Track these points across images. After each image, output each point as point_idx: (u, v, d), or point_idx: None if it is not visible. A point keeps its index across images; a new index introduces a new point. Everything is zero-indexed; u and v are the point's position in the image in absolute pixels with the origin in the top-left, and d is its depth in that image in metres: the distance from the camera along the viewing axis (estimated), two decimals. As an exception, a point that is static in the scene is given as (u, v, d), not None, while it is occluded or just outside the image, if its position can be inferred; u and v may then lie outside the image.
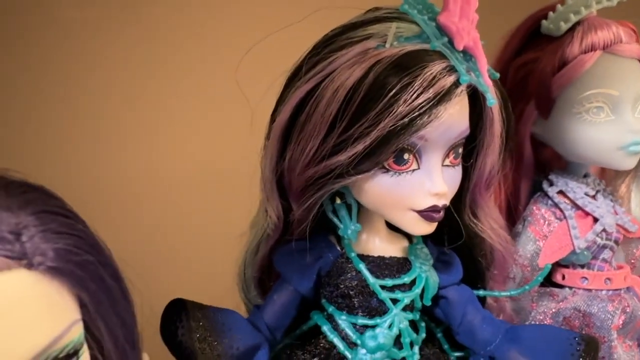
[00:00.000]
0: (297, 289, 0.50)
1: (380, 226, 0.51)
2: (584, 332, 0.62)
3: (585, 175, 0.66)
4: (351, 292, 0.49)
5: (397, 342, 0.50)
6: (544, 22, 0.61)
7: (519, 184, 0.68)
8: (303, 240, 0.50)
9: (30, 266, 0.28)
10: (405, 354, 0.49)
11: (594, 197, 0.66)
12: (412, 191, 0.44)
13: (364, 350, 0.48)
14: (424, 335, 0.52)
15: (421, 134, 0.42)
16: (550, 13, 0.61)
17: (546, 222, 0.65)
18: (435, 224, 0.46)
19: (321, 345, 0.50)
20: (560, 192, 0.66)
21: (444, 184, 0.44)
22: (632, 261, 0.69)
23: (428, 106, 0.40)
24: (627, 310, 0.63)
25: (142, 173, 0.71)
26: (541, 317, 0.64)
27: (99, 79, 0.72)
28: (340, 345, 0.49)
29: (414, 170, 0.44)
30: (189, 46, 0.74)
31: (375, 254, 0.50)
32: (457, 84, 0.41)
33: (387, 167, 0.43)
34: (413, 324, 0.53)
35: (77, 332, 0.30)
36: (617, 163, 0.63)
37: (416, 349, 0.51)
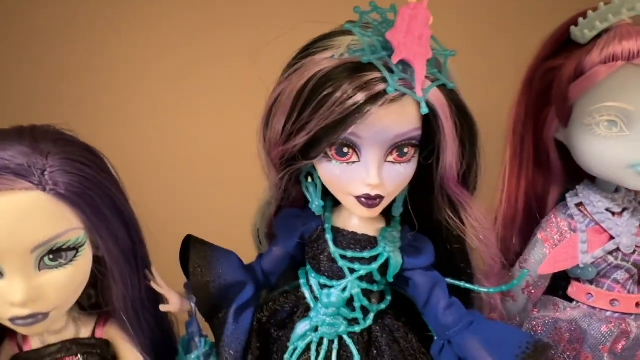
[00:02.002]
0: (283, 246, 0.61)
1: None
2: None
3: (617, 190, 0.62)
4: (320, 256, 0.58)
5: (353, 305, 0.57)
6: (572, 28, 0.58)
7: (548, 189, 0.66)
8: (300, 209, 0.61)
9: (44, 190, 0.44)
10: (357, 316, 0.57)
11: (620, 214, 0.61)
12: (350, 179, 0.50)
13: (320, 305, 0.58)
14: (383, 306, 0.58)
15: (352, 132, 0.48)
16: (580, 19, 0.58)
17: (559, 232, 0.63)
18: (375, 210, 0.52)
19: (298, 294, 0.61)
20: (581, 204, 0.63)
21: (378, 177, 0.49)
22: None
23: (353, 109, 0.46)
24: (630, 336, 0.59)
25: (174, 145, 0.86)
26: (535, 323, 0.63)
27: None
28: (307, 296, 0.59)
29: (354, 162, 0.50)
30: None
31: (350, 229, 0.58)
32: (383, 92, 0.46)
33: (331, 157, 0.50)
34: (380, 295, 0.60)
35: (74, 235, 0.46)
36: (627, 182, 0.57)
37: (371, 315, 0.58)
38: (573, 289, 0.63)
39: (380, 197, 0.51)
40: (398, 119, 0.48)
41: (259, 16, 0.81)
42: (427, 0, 0.47)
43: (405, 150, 0.50)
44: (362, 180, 0.50)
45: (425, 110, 0.47)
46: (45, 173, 0.44)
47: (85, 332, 0.54)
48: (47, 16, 0.83)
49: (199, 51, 0.84)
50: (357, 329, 0.57)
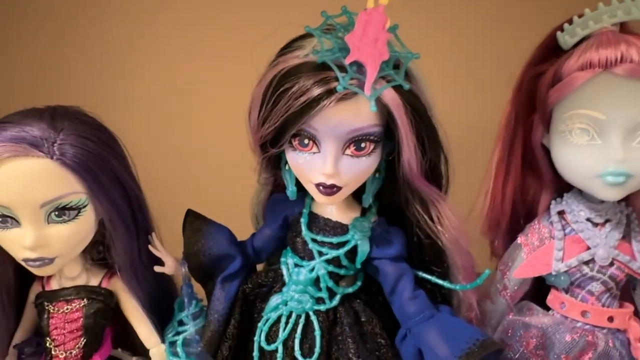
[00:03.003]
0: (270, 227, 0.67)
1: None
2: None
3: (604, 201, 0.60)
4: (296, 238, 0.63)
5: (319, 285, 0.62)
6: (558, 34, 0.57)
7: (538, 196, 0.65)
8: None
9: (52, 159, 0.54)
10: (323, 296, 0.61)
11: (603, 225, 0.59)
12: (310, 168, 0.55)
13: (291, 282, 0.63)
14: (350, 290, 0.62)
15: (310, 125, 0.52)
16: (566, 25, 0.56)
17: (539, 238, 0.62)
18: (333, 198, 0.56)
19: (278, 271, 0.66)
20: (563, 212, 0.62)
21: (333, 168, 0.53)
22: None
23: (308, 103, 0.50)
24: (597, 349, 0.57)
25: (182, 133, 0.92)
26: (507, 325, 0.63)
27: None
28: (284, 273, 0.64)
29: (315, 152, 0.54)
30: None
31: (325, 216, 0.62)
32: (333, 90, 0.50)
33: (295, 147, 0.55)
34: (352, 280, 0.63)
35: (76, 198, 0.55)
36: (597, 191, 0.55)
37: (337, 297, 0.62)
38: (550, 297, 0.62)
39: (337, 187, 0.55)
40: (352, 115, 0.52)
41: (264, 9, 0.86)
42: (383, 7, 0.50)
43: (363, 145, 0.54)
44: (320, 169, 0.54)
45: (373, 108, 0.50)
46: (55, 145, 0.54)
47: (94, 281, 0.64)
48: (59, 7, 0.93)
49: (206, 41, 0.91)
50: (323, 307, 0.61)
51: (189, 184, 0.91)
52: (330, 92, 0.50)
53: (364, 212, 0.63)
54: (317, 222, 0.62)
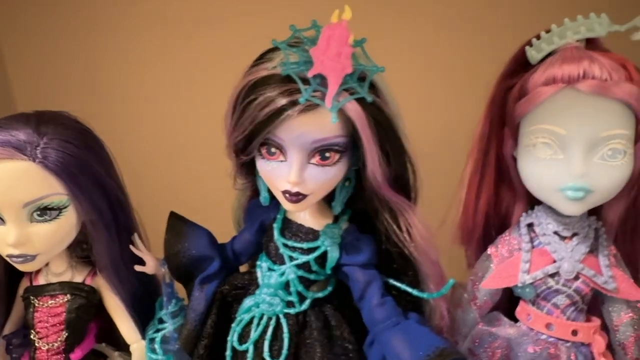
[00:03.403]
0: (249, 232, 0.69)
1: None
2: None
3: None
4: (270, 243, 0.64)
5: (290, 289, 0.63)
6: (527, 48, 0.57)
7: (512, 208, 0.66)
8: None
9: (34, 161, 0.57)
10: (293, 300, 0.63)
11: (570, 238, 0.59)
12: (277, 176, 0.56)
13: (263, 285, 0.64)
14: (320, 295, 0.63)
15: (276, 134, 0.53)
16: (534, 40, 0.57)
17: (509, 249, 0.63)
18: (299, 205, 0.57)
19: (254, 274, 0.68)
20: (532, 224, 0.62)
21: (297, 176, 0.54)
22: (616, 326, 0.59)
23: (273, 113, 0.52)
24: (559, 362, 0.57)
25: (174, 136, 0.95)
26: (475, 335, 0.64)
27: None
28: (259, 276, 0.66)
29: (282, 161, 0.56)
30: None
31: (299, 222, 0.64)
32: (297, 101, 0.51)
33: (263, 155, 0.57)
34: (323, 285, 0.64)
35: (57, 199, 0.58)
36: (558, 205, 0.55)
37: (308, 301, 0.63)
38: (519, 309, 0.63)
39: (302, 195, 0.57)
40: (316, 126, 0.53)
41: (261, 11, 0.88)
42: (346, 22, 0.51)
43: (327, 154, 0.55)
44: (285, 177, 0.56)
45: (334, 120, 0.52)
46: (38, 149, 0.57)
47: (78, 278, 0.67)
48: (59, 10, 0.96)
49: (192, 45, 0.93)
50: (293, 311, 0.63)
51: (178, 186, 0.93)
52: (294, 103, 0.52)
53: (337, 219, 0.65)
54: (290, 228, 0.64)
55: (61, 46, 0.99)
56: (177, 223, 0.69)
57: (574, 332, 0.58)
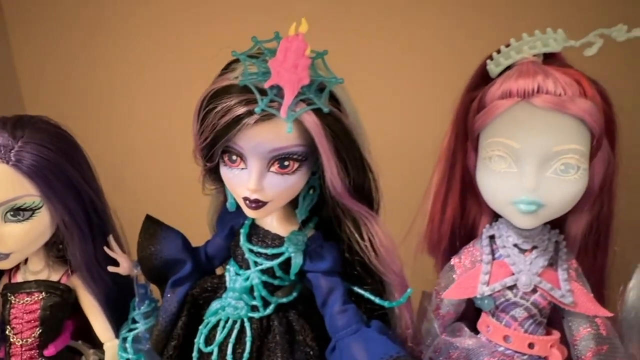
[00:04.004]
0: (220, 236, 0.70)
1: (276, 210, 0.65)
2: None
3: (535, 227, 0.60)
4: (237, 248, 0.66)
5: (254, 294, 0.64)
6: (488, 61, 0.58)
7: (479, 218, 0.66)
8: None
9: (8, 164, 0.59)
10: (257, 304, 0.64)
11: (530, 251, 0.59)
12: (237, 183, 0.58)
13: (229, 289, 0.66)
14: (284, 300, 0.64)
15: (235, 142, 0.55)
16: (494, 53, 0.57)
17: (472, 260, 0.63)
18: (259, 212, 0.58)
19: (223, 277, 0.70)
20: (494, 236, 0.62)
21: (256, 184, 0.56)
22: (575, 340, 0.59)
23: (230, 122, 0.53)
24: (516, 375, 0.57)
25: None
26: (437, 345, 0.64)
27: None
28: (228, 279, 0.68)
29: (243, 168, 0.57)
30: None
31: (265, 228, 0.65)
32: (253, 111, 0.53)
33: (226, 162, 0.58)
34: (289, 291, 0.65)
35: (30, 200, 0.60)
36: (512, 218, 0.56)
37: (272, 306, 0.64)
38: (480, 320, 0.63)
39: (262, 202, 0.58)
40: (273, 135, 0.55)
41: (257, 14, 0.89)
42: (302, 34, 0.52)
43: (286, 163, 0.56)
44: (245, 184, 0.57)
45: (290, 130, 0.53)
46: (12, 152, 0.59)
47: (55, 277, 0.69)
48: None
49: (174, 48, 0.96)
50: (257, 315, 0.64)
51: (159, 189, 0.95)
52: (251, 113, 0.53)
53: (304, 226, 0.65)
54: (257, 233, 0.65)
55: (65, 47, 1.02)
56: (151, 226, 0.71)
57: (531, 345, 0.58)
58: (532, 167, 0.53)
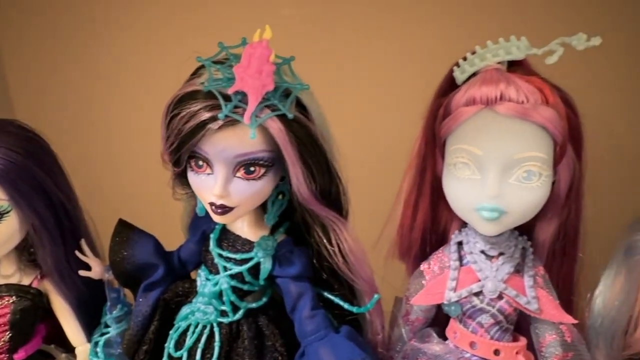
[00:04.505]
0: (192, 240, 0.70)
1: (247, 215, 0.64)
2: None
3: (501, 234, 0.60)
4: (207, 253, 0.66)
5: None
6: (454, 68, 0.58)
7: (450, 224, 0.66)
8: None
9: None
10: (227, 309, 0.64)
11: (497, 257, 0.59)
12: (204, 188, 0.58)
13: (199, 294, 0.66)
14: (254, 305, 0.64)
15: (200, 148, 0.55)
16: (460, 60, 0.57)
17: (441, 266, 0.63)
18: (225, 217, 0.58)
19: (194, 282, 0.70)
20: (462, 243, 0.62)
21: (221, 189, 0.56)
22: (541, 346, 0.59)
23: (194, 128, 0.53)
24: (479, 379, 0.57)
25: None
26: (406, 351, 0.64)
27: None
28: (199, 284, 0.68)
29: (209, 173, 0.57)
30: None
31: (236, 232, 0.65)
32: (216, 117, 0.53)
33: (193, 167, 0.58)
34: (259, 296, 0.65)
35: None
36: (475, 225, 0.56)
37: (241, 311, 0.64)
38: (448, 326, 0.63)
39: (228, 207, 0.58)
40: (238, 140, 0.55)
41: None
42: (266, 41, 0.53)
43: (252, 168, 0.56)
44: (211, 189, 0.57)
45: (253, 136, 0.53)
46: None
47: (26, 281, 0.69)
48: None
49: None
50: (226, 320, 0.64)
51: (135, 192, 0.95)
52: (215, 118, 0.53)
53: (274, 231, 0.65)
54: (228, 238, 0.65)
55: (46, 53, 1.02)
56: (123, 230, 0.71)
57: (496, 352, 0.58)
58: (495, 174, 0.53)
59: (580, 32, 0.49)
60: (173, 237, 0.72)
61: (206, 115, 0.54)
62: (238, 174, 0.57)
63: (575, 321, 0.57)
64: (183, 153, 0.57)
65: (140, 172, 0.95)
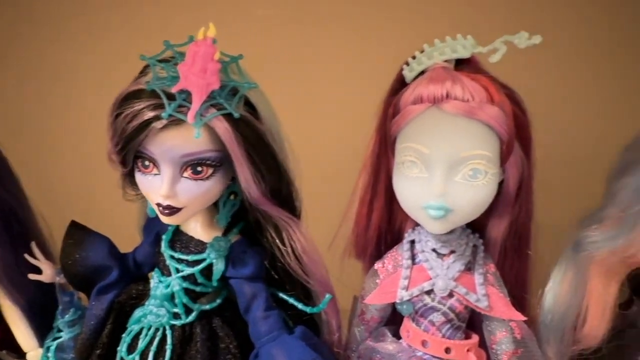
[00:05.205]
0: (146, 242, 0.69)
1: (200, 216, 0.64)
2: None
3: (452, 232, 0.60)
4: (159, 255, 0.65)
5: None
6: (403, 66, 0.58)
7: (405, 223, 0.66)
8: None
9: None
10: (179, 311, 0.63)
11: (448, 255, 0.59)
12: (150, 189, 0.57)
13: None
14: (207, 307, 0.63)
15: (146, 148, 0.54)
16: (410, 59, 0.57)
17: (394, 265, 0.63)
18: (173, 218, 0.57)
19: (148, 284, 0.68)
20: (414, 241, 0.62)
21: (168, 190, 0.55)
22: (492, 343, 0.59)
23: (137, 127, 0.52)
24: (433, 380, 0.57)
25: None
26: (361, 350, 0.63)
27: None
28: (152, 286, 0.66)
29: (155, 174, 0.56)
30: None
31: (189, 233, 0.64)
32: (159, 116, 0.52)
33: (139, 168, 0.57)
34: (213, 297, 0.64)
35: None
36: (423, 223, 0.56)
37: (194, 313, 0.63)
38: (402, 325, 0.63)
39: (175, 208, 0.57)
40: (183, 140, 0.54)
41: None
42: (211, 39, 0.52)
43: (199, 168, 0.55)
44: (157, 190, 0.56)
45: (197, 135, 0.52)
46: None
47: (-26, 285, 0.67)
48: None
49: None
50: (179, 322, 0.63)
51: (93, 194, 0.93)
52: (159, 118, 0.53)
53: (228, 231, 0.65)
54: (181, 240, 0.64)
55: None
56: (76, 232, 0.69)
57: (447, 350, 0.58)
58: (441, 173, 0.53)
59: (523, 30, 0.49)
60: (131, 239, 0.71)
61: (149, 114, 0.53)
62: (185, 174, 0.56)
63: (524, 318, 0.57)
64: (128, 153, 0.56)
65: (95, 172, 0.94)
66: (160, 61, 0.55)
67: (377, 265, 0.64)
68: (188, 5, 0.91)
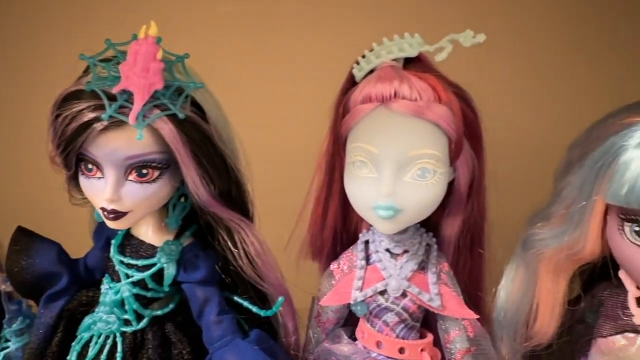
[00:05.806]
0: (97, 247, 0.67)
1: (150, 219, 0.62)
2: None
3: (405, 232, 0.59)
4: (109, 261, 0.63)
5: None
6: (354, 65, 0.57)
7: (361, 224, 0.65)
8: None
9: None
10: (130, 318, 0.61)
11: (401, 255, 0.59)
12: (94, 192, 0.55)
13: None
14: (159, 313, 0.62)
15: (88, 150, 0.52)
16: (360, 58, 0.57)
17: (350, 266, 0.62)
18: (118, 222, 0.56)
19: (99, 291, 0.66)
20: (369, 241, 0.61)
21: (112, 193, 0.53)
22: (447, 342, 0.59)
23: (77, 129, 0.50)
24: (388, 381, 0.57)
25: None
26: (318, 352, 0.63)
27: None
28: (102, 292, 0.64)
29: (99, 177, 0.54)
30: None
31: (140, 238, 0.62)
32: (99, 118, 0.50)
33: (83, 171, 0.55)
34: (165, 303, 0.63)
35: None
36: (374, 223, 0.55)
37: (145, 319, 0.61)
38: (358, 327, 0.62)
39: (120, 212, 0.55)
40: (127, 142, 0.52)
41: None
42: (153, 37, 0.50)
43: (145, 171, 0.54)
44: (101, 193, 0.55)
45: (140, 137, 0.50)
46: None
47: None
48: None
49: None
50: (130, 329, 0.61)
51: (39, 198, 0.91)
52: (100, 119, 0.51)
53: (180, 234, 0.63)
54: (132, 244, 0.62)
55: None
56: (22, 238, 0.67)
57: (402, 350, 0.58)
58: (390, 172, 0.52)
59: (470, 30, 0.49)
60: (86, 244, 0.69)
61: (90, 115, 0.51)
62: (130, 177, 0.54)
63: (477, 316, 0.57)
64: (70, 155, 0.54)
65: (46, 174, 0.91)
66: (102, 61, 0.54)
67: (333, 266, 0.63)
68: (148, 1, 0.89)
